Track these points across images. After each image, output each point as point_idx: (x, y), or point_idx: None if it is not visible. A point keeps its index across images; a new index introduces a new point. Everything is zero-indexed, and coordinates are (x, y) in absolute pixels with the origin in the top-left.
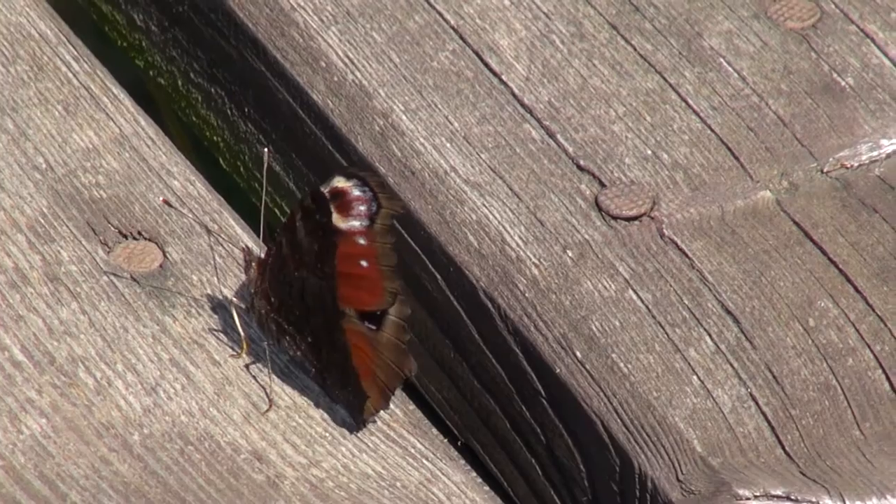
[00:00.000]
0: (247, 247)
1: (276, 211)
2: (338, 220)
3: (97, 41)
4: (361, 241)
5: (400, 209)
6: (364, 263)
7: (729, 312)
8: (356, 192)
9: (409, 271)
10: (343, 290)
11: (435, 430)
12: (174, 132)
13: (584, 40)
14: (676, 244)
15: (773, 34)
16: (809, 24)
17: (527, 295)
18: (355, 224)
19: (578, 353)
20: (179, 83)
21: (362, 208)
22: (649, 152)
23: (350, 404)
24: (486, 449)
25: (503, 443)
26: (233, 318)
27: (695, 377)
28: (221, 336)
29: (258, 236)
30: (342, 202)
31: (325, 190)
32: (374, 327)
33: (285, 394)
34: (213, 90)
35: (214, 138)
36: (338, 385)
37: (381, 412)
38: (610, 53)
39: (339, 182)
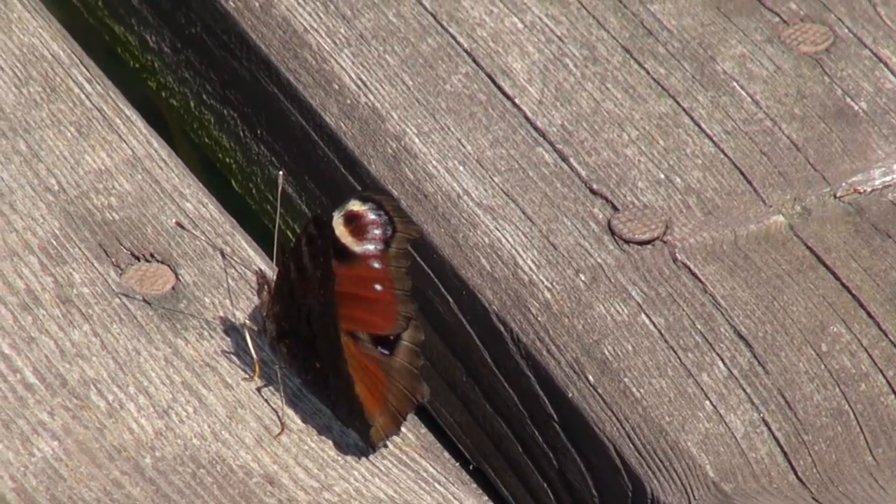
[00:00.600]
0: (259, 269)
1: (289, 233)
2: (352, 244)
3: (104, 59)
4: (376, 265)
5: (416, 233)
6: (378, 287)
7: (742, 337)
8: (371, 216)
9: (421, 294)
10: (356, 313)
11: (447, 454)
12: (183, 152)
13: (598, 64)
14: (689, 268)
15: (787, 58)
16: (823, 49)
17: (539, 319)
18: (370, 248)
19: (591, 378)
20: (192, 104)
21: (377, 232)
22: (662, 176)
23: (358, 430)
24: (498, 473)
25: (515, 467)
26: (245, 341)
27: (707, 402)
28: (234, 359)
29: (271, 259)
30: (357, 225)
31: (339, 214)
32: (387, 352)
33: (297, 417)
34: (225, 112)
35: (227, 160)
36: (345, 411)
37: (394, 437)
38: (623, 77)
39: (355, 205)
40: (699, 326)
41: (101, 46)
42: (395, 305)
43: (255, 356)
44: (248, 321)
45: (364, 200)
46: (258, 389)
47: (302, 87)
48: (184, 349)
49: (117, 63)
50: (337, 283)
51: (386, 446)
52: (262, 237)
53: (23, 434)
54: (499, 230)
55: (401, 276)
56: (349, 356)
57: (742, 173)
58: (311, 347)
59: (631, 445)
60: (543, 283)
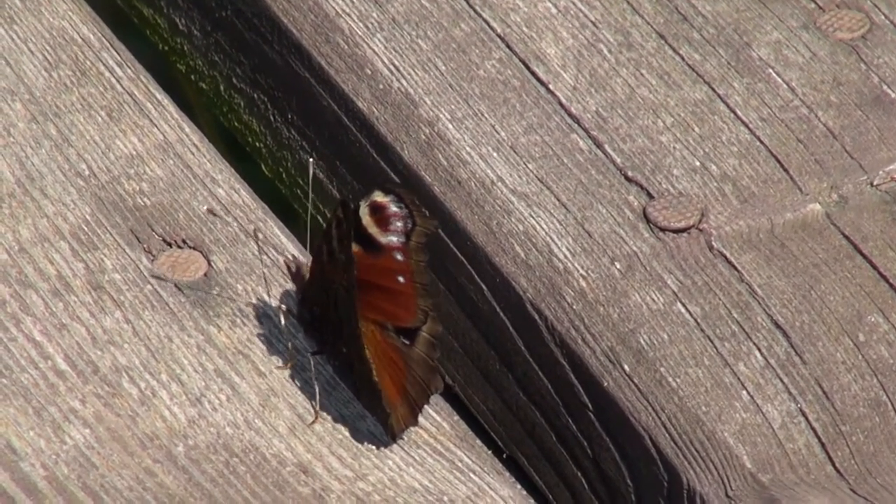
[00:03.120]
0: (293, 255)
1: (320, 218)
2: (378, 234)
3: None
4: (399, 257)
5: (434, 228)
6: (401, 279)
7: (778, 327)
8: (394, 208)
9: (454, 282)
10: (382, 303)
11: (480, 443)
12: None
13: (632, 50)
14: (725, 257)
15: (823, 45)
16: (859, 35)
17: (574, 307)
18: (393, 239)
19: (626, 367)
20: (221, 88)
21: (399, 224)
22: (697, 164)
23: (379, 418)
24: (532, 461)
25: (549, 456)
26: (278, 328)
27: (744, 392)
28: (266, 346)
29: (303, 245)
30: (381, 216)
31: (364, 203)
32: (408, 343)
33: (331, 405)
34: (255, 95)
35: (257, 144)
36: (367, 398)
37: (428, 426)
38: (658, 63)
39: (378, 196)
40: (735, 315)
41: (130, 29)
42: (415, 298)
43: (288, 343)
44: (282, 307)
45: (386, 192)
46: (291, 377)
47: (334, 71)
48: (216, 336)
49: (143, 44)
50: (365, 272)
51: (402, 438)
52: (291, 222)
53: (54, 422)
54: (533, 217)
55: (420, 270)
56: (376, 344)
57: (778, 161)
58: (339, 333)
59: (667, 435)
60: (578, 270)
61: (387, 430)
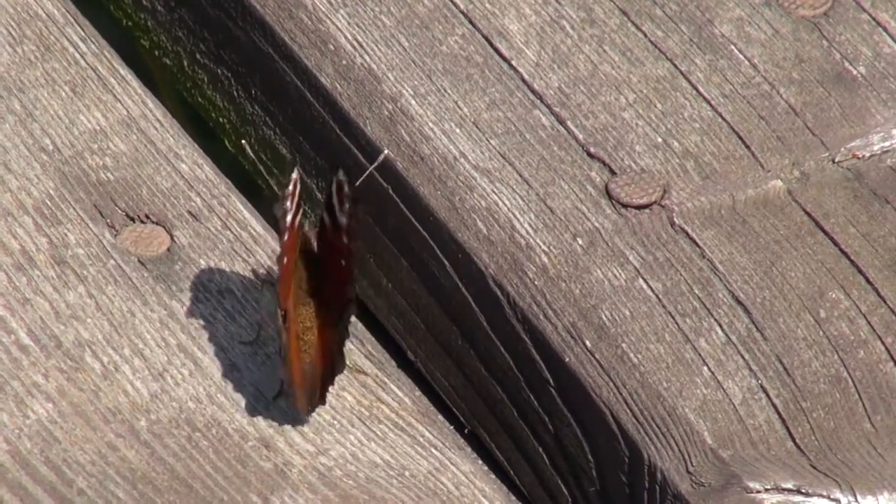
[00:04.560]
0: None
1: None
2: (339, 213)
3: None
4: (346, 240)
5: (365, 215)
6: (343, 262)
7: (740, 303)
8: (347, 189)
9: (416, 257)
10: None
11: (441, 418)
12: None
13: (595, 26)
14: (687, 233)
15: (785, 22)
16: (821, 13)
17: (536, 283)
18: (344, 220)
19: (588, 343)
20: (185, 64)
21: (348, 206)
22: (660, 140)
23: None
24: (493, 437)
25: (510, 431)
26: (241, 304)
27: (705, 368)
28: (229, 321)
29: (266, 220)
30: (341, 196)
31: (335, 180)
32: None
33: None
34: (219, 71)
35: (220, 119)
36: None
37: (390, 401)
38: (620, 40)
39: (341, 175)
40: (697, 291)
41: (93, 4)
42: (350, 284)
43: (252, 318)
44: (243, 283)
45: (345, 173)
46: (254, 353)
47: (297, 47)
48: (179, 311)
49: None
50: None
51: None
52: (255, 198)
53: (17, 396)
54: (495, 193)
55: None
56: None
57: (740, 137)
58: None
59: (628, 411)
60: (540, 246)
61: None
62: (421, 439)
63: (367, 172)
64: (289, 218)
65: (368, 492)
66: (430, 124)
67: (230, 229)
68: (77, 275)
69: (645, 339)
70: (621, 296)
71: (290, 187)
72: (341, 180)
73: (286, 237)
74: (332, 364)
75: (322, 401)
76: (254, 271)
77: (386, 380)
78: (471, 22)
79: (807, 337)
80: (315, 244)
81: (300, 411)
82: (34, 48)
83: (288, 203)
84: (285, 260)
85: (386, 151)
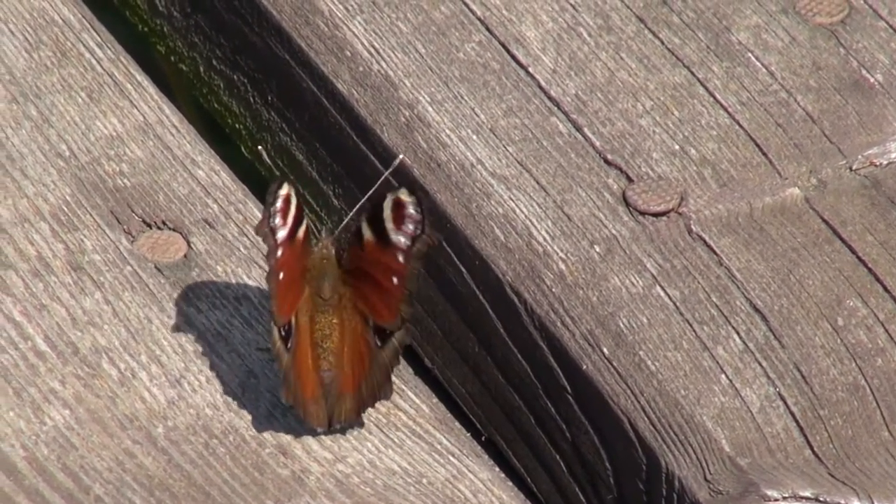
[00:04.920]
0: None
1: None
2: (392, 231)
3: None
4: (400, 258)
5: (436, 242)
6: (395, 280)
7: (757, 310)
8: (411, 210)
9: (434, 264)
10: (371, 298)
11: (458, 425)
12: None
13: (612, 33)
14: (704, 241)
15: (802, 29)
16: (838, 20)
17: (553, 290)
18: (401, 240)
19: (605, 350)
20: (201, 69)
21: (411, 227)
22: (677, 147)
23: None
24: (510, 444)
25: (527, 439)
26: (257, 310)
27: (723, 376)
28: (246, 328)
29: None
30: (398, 214)
31: (391, 197)
32: (379, 345)
33: None
34: (235, 77)
35: (236, 126)
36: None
37: (407, 408)
38: (637, 47)
39: (404, 195)
40: (714, 299)
41: (109, 10)
42: (400, 302)
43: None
44: (259, 290)
45: (410, 193)
46: (271, 359)
47: (314, 53)
48: (196, 318)
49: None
50: (366, 263)
51: (333, 432)
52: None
53: (34, 402)
54: (512, 200)
55: (413, 277)
56: (354, 335)
57: (757, 145)
58: None
59: (646, 419)
60: (558, 253)
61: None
62: (438, 447)
63: (383, 178)
64: (281, 234)
65: (386, 499)
66: (447, 131)
67: (247, 236)
68: (94, 281)
69: (662, 347)
70: (639, 303)
71: (280, 204)
72: (404, 200)
73: (279, 254)
74: (369, 381)
75: (355, 417)
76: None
77: (403, 387)
78: (488, 29)
79: (825, 345)
80: (348, 254)
81: (312, 425)
82: (50, 54)
83: (278, 219)
84: (280, 276)
85: (401, 156)
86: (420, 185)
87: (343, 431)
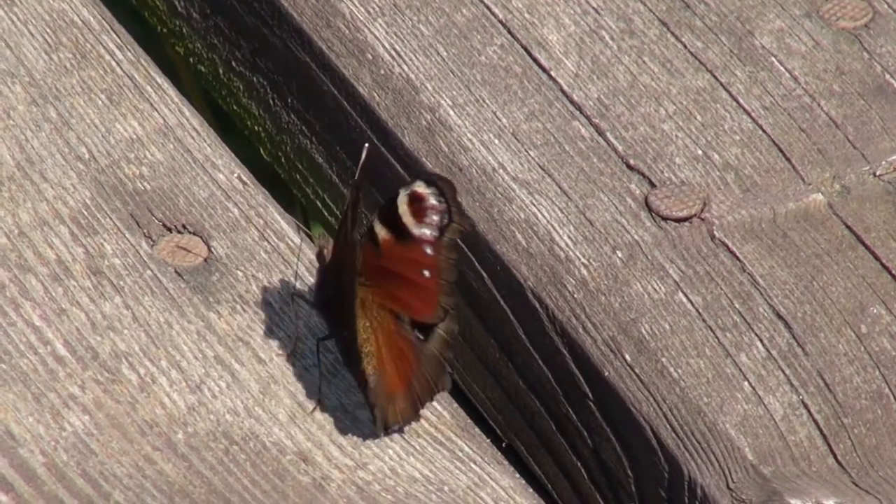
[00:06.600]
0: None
1: (318, 203)
2: (412, 225)
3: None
4: (428, 251)
5: (469, 226)
6: (426, 273)
7: (780, 317)
8: (433, 201)
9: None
10: (401, 294)
11: (479, 432)
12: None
13: (634, 37)
14: (727, 246)
15: (825, 34)
16: (862, 24)
17: (575, 296)
18: (426, 232)
19: (628, 357)
20: (220, 71)
21: (435, 218)
22: (700, 152)
23: (371, 409)
24: (531, 451)
25: (548, 445)
26: (278, 315)
27: (746, 383)
28: (267, 333)
29: (307, 229)
30: (418, 207)
31: (405, 192)
32: (422, 338)
33: (332, 393)
34: (255, 79)
35: (255, 128)
36: (361, 386)
37: (429, 415)
38: (660, 51)
39: (419, 187)
40: (737, 306)
41: (127, 10)
42: (438, 294)
43: (289, 330)
44: (281, 294)
45: (429, 184)
46: (292, 365)
47: (335, 56)
48: (216, 323)
49: (140, 27)
50: (391, 260)
51: (401, 431)
52: (291, 207)
53: (53, 408)
54: (535, 205)
55: (448, 267)
56: (387, 334)
57: (780, 150)
58: (342, 318)
59: (668, 426)
60: (580, 259)
61: (375, 422)
62: (460, 454)
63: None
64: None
65: None
66: (469, 135)
67: (267, 240)
68: (113, 285)
69: (685, 354)
70: (661, 309)
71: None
72: (422, 192)
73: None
74: (420, 376)
75: (413, 415)
76: (291, 283)
77: None
78: (510, 32)
79: (848, 352)
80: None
81: (386, 422)
82: (70, 56)
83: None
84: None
85: (367, 145)
86: (440, 175)
87: (401, 431)
